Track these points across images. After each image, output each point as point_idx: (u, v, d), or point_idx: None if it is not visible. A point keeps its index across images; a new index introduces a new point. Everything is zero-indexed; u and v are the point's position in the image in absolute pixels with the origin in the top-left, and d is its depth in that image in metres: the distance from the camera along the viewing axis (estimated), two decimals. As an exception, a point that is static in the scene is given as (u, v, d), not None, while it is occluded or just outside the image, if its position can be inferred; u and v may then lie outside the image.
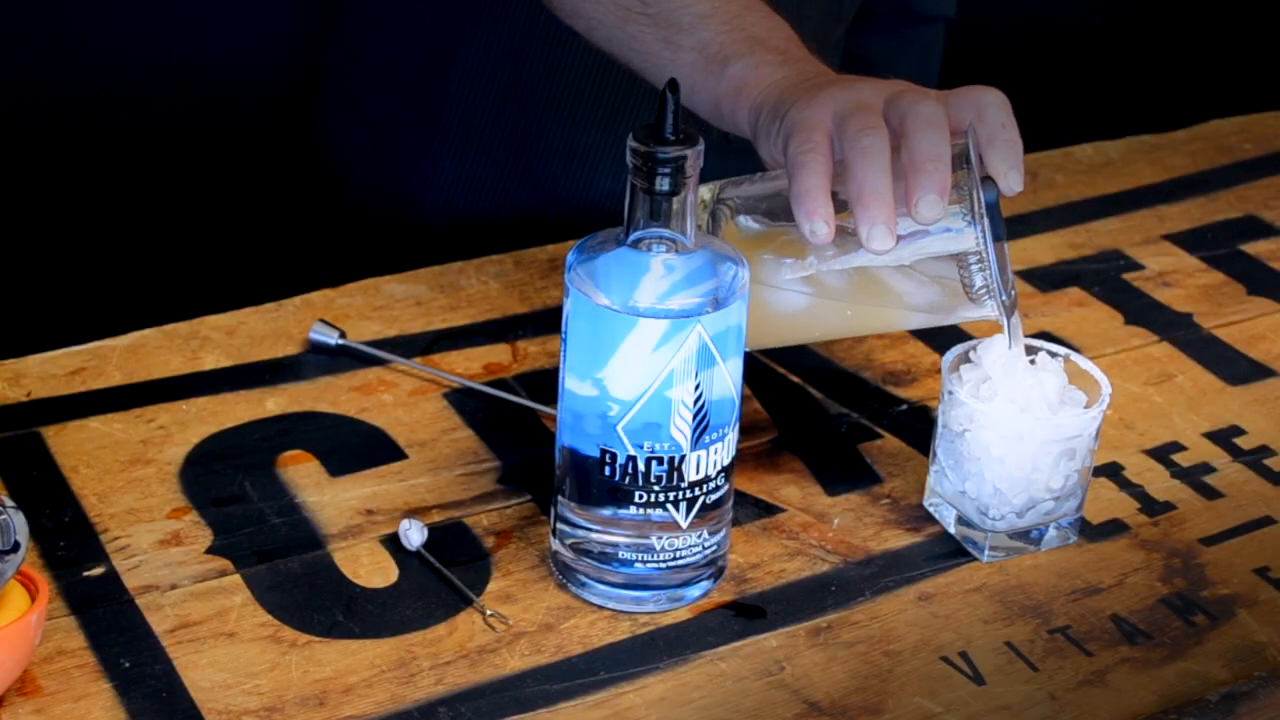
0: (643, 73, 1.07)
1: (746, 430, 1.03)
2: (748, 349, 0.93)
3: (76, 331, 1.10)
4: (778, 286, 0.95)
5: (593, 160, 1.34)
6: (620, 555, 0.88)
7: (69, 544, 0.92)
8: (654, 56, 1.04)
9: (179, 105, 1.66)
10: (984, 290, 0.92)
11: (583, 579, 0.90)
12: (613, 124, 1.33)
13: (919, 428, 1.06)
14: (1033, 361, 0.96)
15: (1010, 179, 0.92)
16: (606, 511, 0.87)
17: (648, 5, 1.05)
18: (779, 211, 0.95)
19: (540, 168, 1.34)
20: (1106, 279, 1.24)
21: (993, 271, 0.91)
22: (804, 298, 0.95)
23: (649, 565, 0.88)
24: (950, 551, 0.96)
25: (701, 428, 0.86)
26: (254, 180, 1.72)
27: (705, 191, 0.97)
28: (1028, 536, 0.96)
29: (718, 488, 0.88)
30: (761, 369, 1.11)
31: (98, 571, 0.90)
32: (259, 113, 1.71)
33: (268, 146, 1.70)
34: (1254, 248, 1.30)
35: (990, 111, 0.93)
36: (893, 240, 0.89)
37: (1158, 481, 1.03)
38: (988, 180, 0.92)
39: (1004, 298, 0.92)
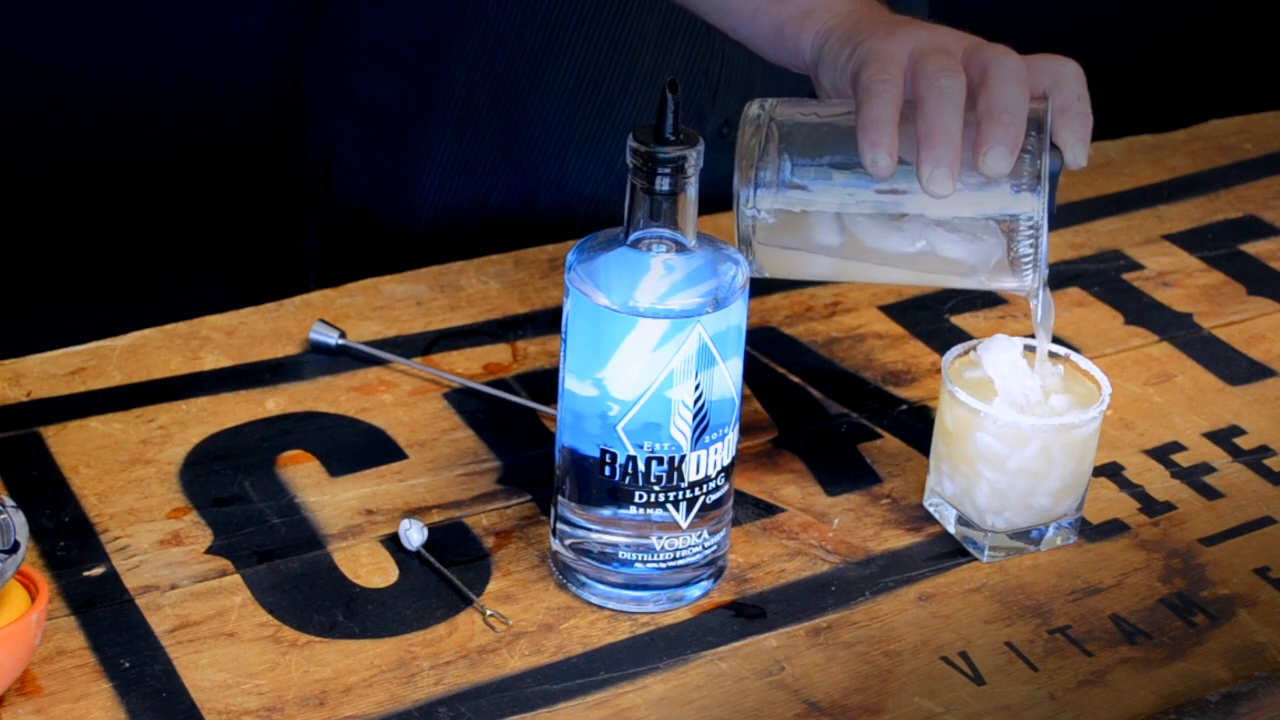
0: (696, 3, 1.05)
1: (746, 430, 1.03)
2: (769, 274, 0.92)
3: (76, 331, 1.10)
4: (815, 219, 0.93)
5: (588, 149, 1.34)
6: (620, 555, 0.88)
7: (69, 544, 0.92)
8: None
9: (174, 104, 1.66)
10: (1028, 259, 0.90)
11: (583, 579, 0.90)
12: (609, 114, 1.33)
13: (919, 428, 1.06)
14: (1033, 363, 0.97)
15: (1076, 152, 0.91)
16: (606, 511, 0.87)
17: None
18: (835, 141, 0.93)
19: (536, 155, 1.34)
20: (1106, 279, 1.24)
21: (1042, 242, 0.90)
22: (839, 235, 0.94)
23: (649, 565, 0.88)
24: (950, 551, 0.96)
25: (701, 428, 0.86)
26: (253, 181, 1.71)
27: (755, 108, 0.95)
28: (1028, 536, 0.96)
29: (718, 488, 0.88)
30: (761, 369, 1.11)
31: (98, 571, 0.90)
32: (257, 111, 1.71)
33: (265, 144, 1.70)
34: (1254, 248, 1.30)
35: (1068, 82, 0.92)
36: (953, 186, 0.87)
37: (1158, 481, 1.03)
38: (1053, 150, 0.90)
39: (1043, 271, 0.91)
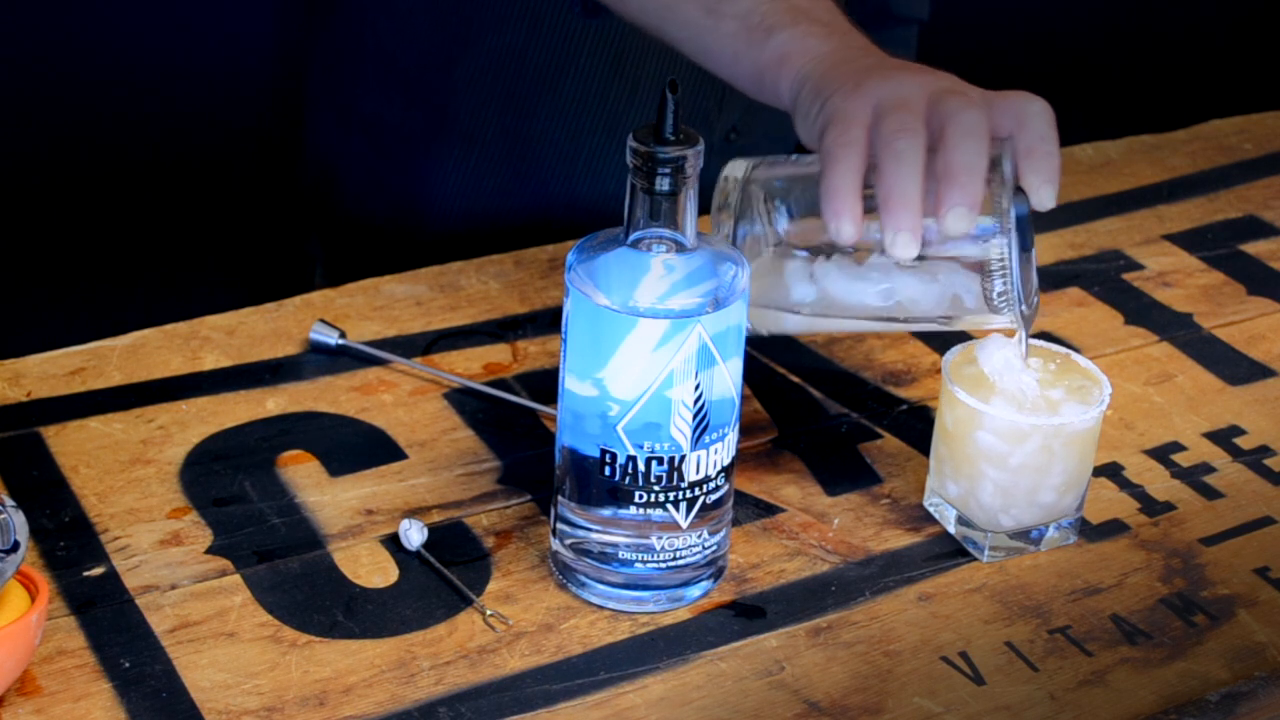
0: (678, 43, 1.05)
1: (746, 430, 1.03)
2: (764, 331, 0.92)
3: (76, 331, 1.10)
4: (796, 273, 0.94)
5: (597, 164, 1.33)
6: (620, 555, 0.88)
7: (69, 544, 0.92)
8: (694, 25, 1.03)
9: (175, 105, 1.66)
10: (1004, 299, 0.91)
11: (583, 579, 0.90)
12: (616, 127, 1.32)
13: (919, 428, 1.06)
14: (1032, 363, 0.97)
15: (1042, 194, 0.91)
16: (606, 511, 0.87)
17: None
18: (810, 200, 0.94)
19: (545, 171, 1.33)
20: (1106, 279, 1.24)
21: (1014, 281, 0.90)
22: (816, 288, 0.95)
23: (649, 565, 0.88)
24: (950, 551, 0.96)
25: (701, 428, 0.86)
26: (252, 181, 1.71)
27: (739, 168, 0.96)
28: (1028, 536, 0.96)
29: (718, 488, 0.88)
30: (761, 369, 1.11)
31: (98, 571, 0.90)
32: (256, 113, 1.71)
33: (266, 146, 1.70)
34: (1254, 248, 1.30)
35: (1033, 122, 0.92)
36: (916, 248, 0.88)
37: (1158, 481, 1.03)
38: (1020, 192, 0.91)
39: (1023, 307, 0.92)
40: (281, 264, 1.65)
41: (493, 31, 1.29)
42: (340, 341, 1.09)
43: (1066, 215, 1.32)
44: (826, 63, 0.97)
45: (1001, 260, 0.90)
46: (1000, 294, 0.91)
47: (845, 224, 0.89)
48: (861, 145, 0.90)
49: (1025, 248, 0.91)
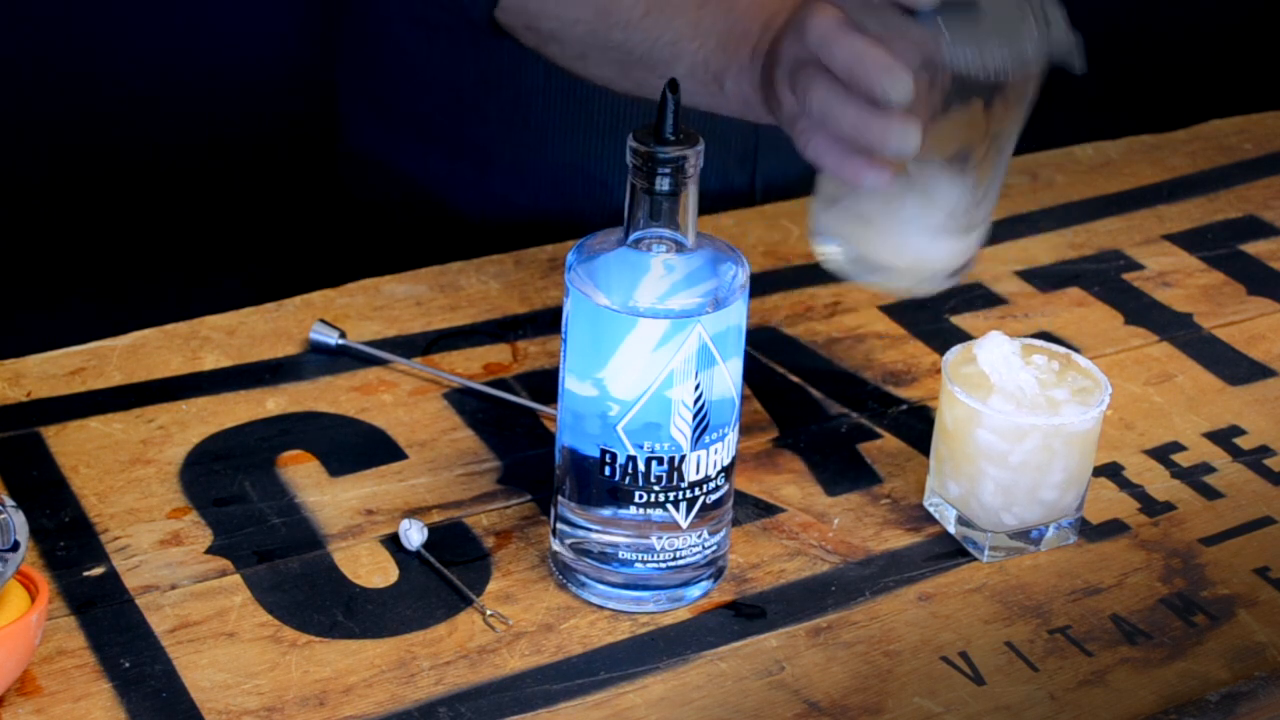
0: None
1: (746, 430, 1.03)
2: (923, 285, 0.98)
3: (76, 331, 1.10)
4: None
5: None
6: (620, 555, 0.88)
7: (69, 544, 0.92)
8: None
9: (175, 105, 1.66)
10: (980, 54, 0.89)
11: (583, 579, 0.90)
12: None
13: (919, 428, 1.06)
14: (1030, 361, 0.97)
15: None
16: (606, 511, 0.87)
17: (631, 53, 1.08)
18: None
19: (598, 190, 1.33)
20: (1106, 279, 1.24)
21: (958, 51, 0.89)
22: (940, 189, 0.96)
23: (649, 565, 0.88)
24: (950, 551, 0.96)
25: (701, 428, 0.86)
26: (253, 181, 1.71)
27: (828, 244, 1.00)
28: (1028, 536, 0.96)
29: (718, 488, 0.88)
30: (761, 369, 1.11)
31: (98, 571, 0.90)
32: (258, 114, 1.71)
33: (266, 146, 1.70)
34: (1254, 248, 1.30)
35: None
36: (907, 78, 0.88)
37: (1158, 481, 1.03)
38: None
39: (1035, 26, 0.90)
40: (284, 266, 1.65)
41: (511, 75, 1.29)
42: (340, 341, 1.09)
43: (1066, 215, 1.32)
44: (754, 90, 1.01)
45: (949, 45, 0.89)
46: (970, 57, 0.89)
47: (897, 82, 0.88)
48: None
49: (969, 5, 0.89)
